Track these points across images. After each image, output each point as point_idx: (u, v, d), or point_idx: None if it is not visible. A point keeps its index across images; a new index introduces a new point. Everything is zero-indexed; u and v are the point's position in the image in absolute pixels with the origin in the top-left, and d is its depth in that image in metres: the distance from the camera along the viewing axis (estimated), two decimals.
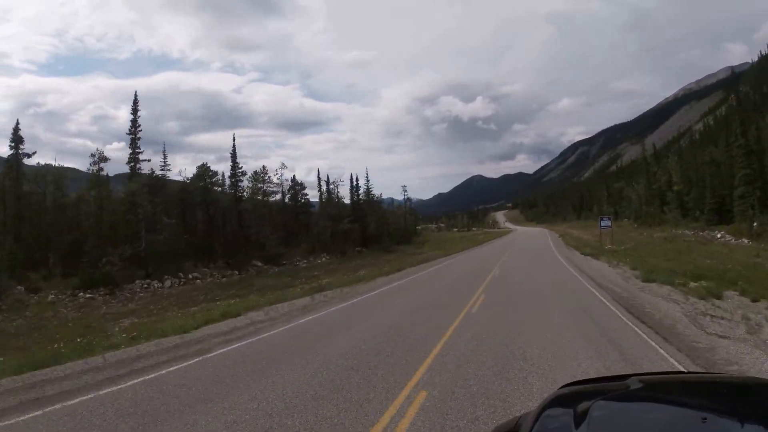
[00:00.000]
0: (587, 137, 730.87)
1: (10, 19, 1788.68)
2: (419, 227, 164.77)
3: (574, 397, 2.12)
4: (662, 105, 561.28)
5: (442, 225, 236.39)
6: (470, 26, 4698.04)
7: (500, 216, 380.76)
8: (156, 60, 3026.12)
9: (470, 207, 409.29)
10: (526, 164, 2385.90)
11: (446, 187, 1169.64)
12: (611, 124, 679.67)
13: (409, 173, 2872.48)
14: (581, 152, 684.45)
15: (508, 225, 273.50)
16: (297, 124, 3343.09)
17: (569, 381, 2.63)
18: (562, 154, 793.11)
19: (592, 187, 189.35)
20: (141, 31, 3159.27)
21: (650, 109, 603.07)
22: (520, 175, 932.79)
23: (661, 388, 2.37)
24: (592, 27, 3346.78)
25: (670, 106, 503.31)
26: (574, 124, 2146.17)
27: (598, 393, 2.10)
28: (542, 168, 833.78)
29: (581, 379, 2.79)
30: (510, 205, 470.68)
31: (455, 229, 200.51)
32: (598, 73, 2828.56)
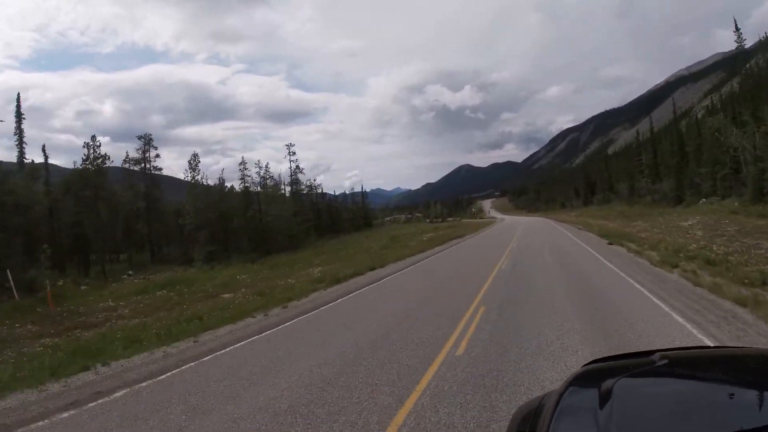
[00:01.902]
0: (577, 124, 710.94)
1: None
2: (384, 219, 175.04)
3: (599, 374, 2.02)
4: (653, 91, 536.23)
5: (418, 215, 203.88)
6: (458, 14, 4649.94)
7: (487, 204, 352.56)
8: (140, 53, 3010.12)
9: (459, 196, 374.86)
10: (514, 153, 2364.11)
11: (435, 177, 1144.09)
12: (601, 110, 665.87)
13: (398, 163, 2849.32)
14: (571, 139, 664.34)
15: (494, 214, 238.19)
16: (284, 115, 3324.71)
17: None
18: (551, 141, 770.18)
19: (609, 164, 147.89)
20: (125, 24, 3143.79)
21: (641, 96, 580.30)
22: (509, 164, 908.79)
23: (687, 364, 2.25)
24: (581, 13, 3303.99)
25: (662, 92, 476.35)
26: (562, 113, 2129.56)
27: (622, 370, 2.02)
28: (531, 156, 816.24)
29: (605, 356, 2.49)
30: (498, 193, 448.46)
31: (427, 220, 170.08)
32: (587, 60, 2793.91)
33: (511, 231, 64.41)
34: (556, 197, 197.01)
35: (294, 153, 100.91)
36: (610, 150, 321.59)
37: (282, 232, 75.10)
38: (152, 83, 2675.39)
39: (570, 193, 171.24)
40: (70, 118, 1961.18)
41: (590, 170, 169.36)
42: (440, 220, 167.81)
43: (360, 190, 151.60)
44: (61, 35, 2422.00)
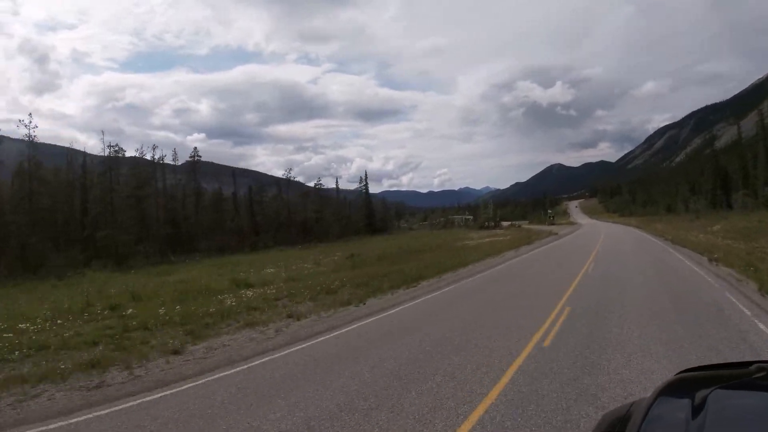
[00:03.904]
0: (675, 121, 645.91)
1: (87, 20, 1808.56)
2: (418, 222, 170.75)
3: (692, 384, 1.90)
4: (756, 84, 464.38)
5: (469, 217, 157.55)
6: (548, 8, 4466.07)
7: (573, 205, 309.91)
8: (233, 54, 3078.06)
9: (542, 196, 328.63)
10: (608, 153, 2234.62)
11: (524, 176, 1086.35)
12: (702, 105, 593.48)
13: (487, 162, 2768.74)
14: (669, 136, 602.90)
15: (579, 218, 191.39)
16: (373, 114, 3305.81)
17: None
18: (647, 139, 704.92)
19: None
20: (216, 26, 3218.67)
21: (744, 89, 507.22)
22: (602, 164, 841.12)
23: None
24: (674, 6, 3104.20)
25: (766, 85, 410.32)
26: (658, 110, 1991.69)
27: (716, 380, 1.84)
28: (626, 155, 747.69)
29: (700, 365, 2.34)
30: (587, 193, 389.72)
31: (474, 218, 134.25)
32: (682, 56, 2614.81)
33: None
34: (657, 199, 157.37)
35: None
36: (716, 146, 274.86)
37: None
38: (245, 83, 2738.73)
39: (680, 193, 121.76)
40: (168, 116, 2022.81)
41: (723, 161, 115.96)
42: (492, 225, 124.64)
43: (365, 184, 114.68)
44: (157, 38, 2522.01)
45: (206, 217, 76.19)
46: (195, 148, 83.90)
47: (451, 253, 35.32)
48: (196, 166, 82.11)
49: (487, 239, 57.43)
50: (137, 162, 73.89)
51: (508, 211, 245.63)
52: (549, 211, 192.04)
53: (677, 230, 53.14)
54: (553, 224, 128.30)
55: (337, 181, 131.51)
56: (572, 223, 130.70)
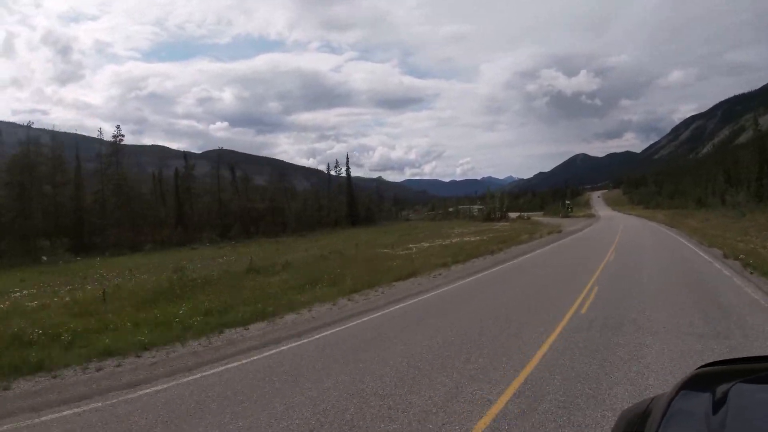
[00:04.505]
0: (701, 111, 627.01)
1: (109, 11, 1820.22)
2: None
3: (713, 378, 1.86)
4: None
5: (478, 207, 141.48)
6: None
7: (595, 196, 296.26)
8: (256, 43, 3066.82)
9: (563, 186, 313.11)
10: (634, 143, 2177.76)
11: (548, 166, 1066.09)
12: (729, 96, 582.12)
13: (510, 151, 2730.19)
14: (696, 127, 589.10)
15: (601, 210, 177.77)
16: (396, 102, 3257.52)
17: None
18: (674, 129, 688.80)
19: None
20: (238, 15, 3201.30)
21: None
22: (627, 154, 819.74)
23: None
24: None
25: None
26: (684, 100, 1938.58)
27: (738, 375, 1.79)
28: (651, 146, 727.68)
29: (721, 359, 2.27)
30: (611, 184, 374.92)
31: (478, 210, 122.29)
32: (709, 45, 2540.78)
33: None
34: (686, 190, 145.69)
35: None
36: (743, 138, 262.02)
37: None
38: (268, 71, 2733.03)
39: (716, 184, 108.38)
40: (191, 105, 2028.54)
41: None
42: (498, 216, 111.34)
43: (346, 168, 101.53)
44: (179, 28, 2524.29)
45: (118, 209, 63.41)
46: (117, 126, 73.26)
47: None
48: (118, 148, 69.62)
49: (456, 239, 43.85)
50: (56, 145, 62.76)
51: (525, 201, 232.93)
52: (567, 201, 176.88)
53: (724, 232, 38.62)
54: (567, 216, 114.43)
55: (328, 167, 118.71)
56: (590, 216, 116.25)
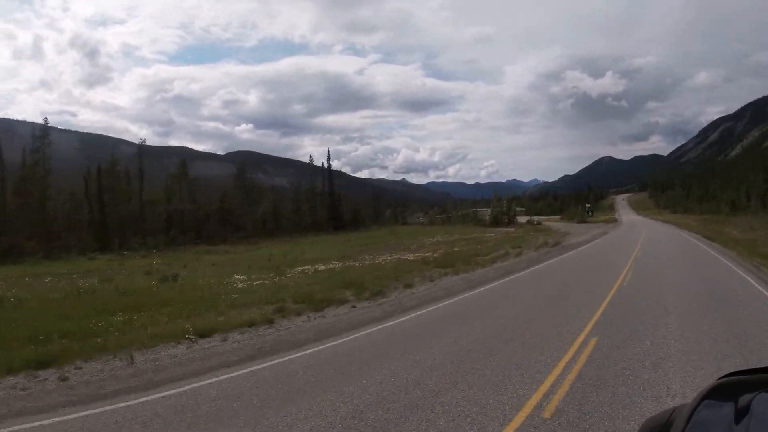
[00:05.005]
0: (730, 113, 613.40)
1: (136, 15, 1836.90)
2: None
3: (735, 388, 1.77)
4: None
5: (484, 211, 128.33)
6: None
7: (619, 200, 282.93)
8: (280, 46, 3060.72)
9: (596, 189, 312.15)
10: (660, 146, 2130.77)
11: (573, 169, 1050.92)
12: (759, 96, 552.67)
13: (535, 154, 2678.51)
14: (725, 129, 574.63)
15: (625, 214, 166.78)
16: (420, 104, 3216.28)
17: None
18: (701, 132, 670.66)
19: None
20: (263, 19, 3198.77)
21: None
22: (654, 157, 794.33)
23: None
24: None
25: None
26: (712, 102, 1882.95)
27: (761, 384, 1.73)
28: (678, 149, 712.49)
29: (743, 369, 2.10)
30: (637, 187, 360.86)
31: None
32: (736, 45, 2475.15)
33: None
34: (716, 194, 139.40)
35: None
36: None
37: None
38: (293, 74, 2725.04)
39: (755, 186, 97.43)
40: (217, 107, 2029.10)
41: None
42: (506, 220, 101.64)
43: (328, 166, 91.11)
44: (205, 31, 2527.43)
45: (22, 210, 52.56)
46: (45, 119, 65.56)
47: None
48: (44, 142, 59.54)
49: (407, 256, 32.53)
50: None
51: (545, 205, 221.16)
52: (587, 205, 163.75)
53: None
54: (583, 222, 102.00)
55: (308, 158, 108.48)
56: (610, 221, 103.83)
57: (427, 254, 32.27)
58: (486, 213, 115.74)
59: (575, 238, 46.85)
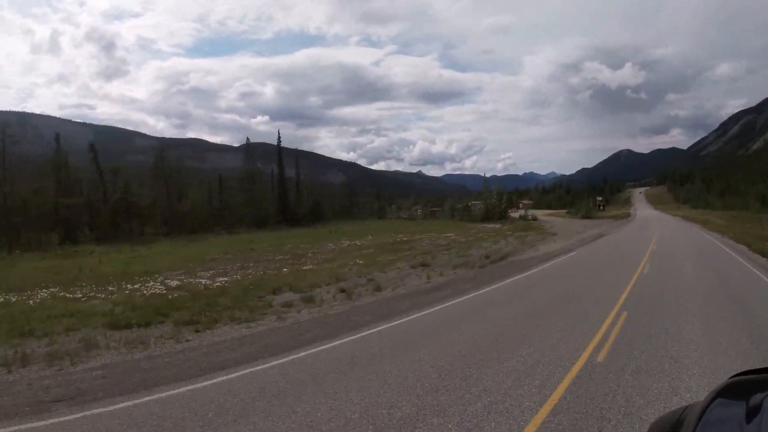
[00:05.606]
0: (751, 106, 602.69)
1: (152, 8, 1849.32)
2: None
3: (747, 387, 1.72)
4: None
5: (474, 203, 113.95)
6: None
7: (637, 193, 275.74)
8: (296, 38, 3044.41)
9: (612, 182, 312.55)
10: (680, 139, 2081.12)
11: (592, 162, 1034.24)
12: None
13: (553, 146, 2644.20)
14: (746, 122, 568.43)
15: (641, 209, 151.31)
16: (437, 95, 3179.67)
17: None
18: (722, 125, 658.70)
19: None
20: (278, 11, 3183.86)
21: None
22: (673, 150, 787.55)
23: None
24: None
25: None
26: (732, 95, 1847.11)
27: None
28: (698, 142, 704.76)
29: (755, 368, 1.97)
30: (655, 181, 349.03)
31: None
32: (758, 36, 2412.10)
33: None
34: (739, 188, 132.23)
35: None
36: None
37: None
38: (309, 66, 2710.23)
39: None
40: (233, 99, 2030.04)
41: None
42: (498, 215, 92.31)
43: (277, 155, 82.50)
44: (221, 24, 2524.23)
45: None
46: None
47: None
48: None
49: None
50: None
51: (555, 198, 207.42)
52: (599, 198, 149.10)
53: None
54: (587, 217, 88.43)
55: (247, 141, 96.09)
56: (622, 217, 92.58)
57: (236, 277, 20.15)
58: (480, 206, 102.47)
59: (548, 245, 32.70)
